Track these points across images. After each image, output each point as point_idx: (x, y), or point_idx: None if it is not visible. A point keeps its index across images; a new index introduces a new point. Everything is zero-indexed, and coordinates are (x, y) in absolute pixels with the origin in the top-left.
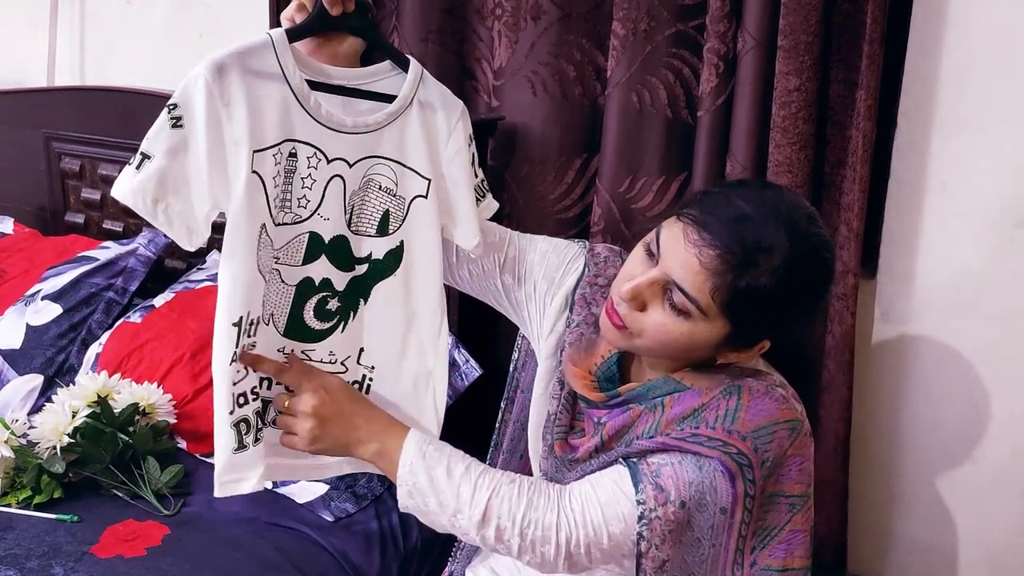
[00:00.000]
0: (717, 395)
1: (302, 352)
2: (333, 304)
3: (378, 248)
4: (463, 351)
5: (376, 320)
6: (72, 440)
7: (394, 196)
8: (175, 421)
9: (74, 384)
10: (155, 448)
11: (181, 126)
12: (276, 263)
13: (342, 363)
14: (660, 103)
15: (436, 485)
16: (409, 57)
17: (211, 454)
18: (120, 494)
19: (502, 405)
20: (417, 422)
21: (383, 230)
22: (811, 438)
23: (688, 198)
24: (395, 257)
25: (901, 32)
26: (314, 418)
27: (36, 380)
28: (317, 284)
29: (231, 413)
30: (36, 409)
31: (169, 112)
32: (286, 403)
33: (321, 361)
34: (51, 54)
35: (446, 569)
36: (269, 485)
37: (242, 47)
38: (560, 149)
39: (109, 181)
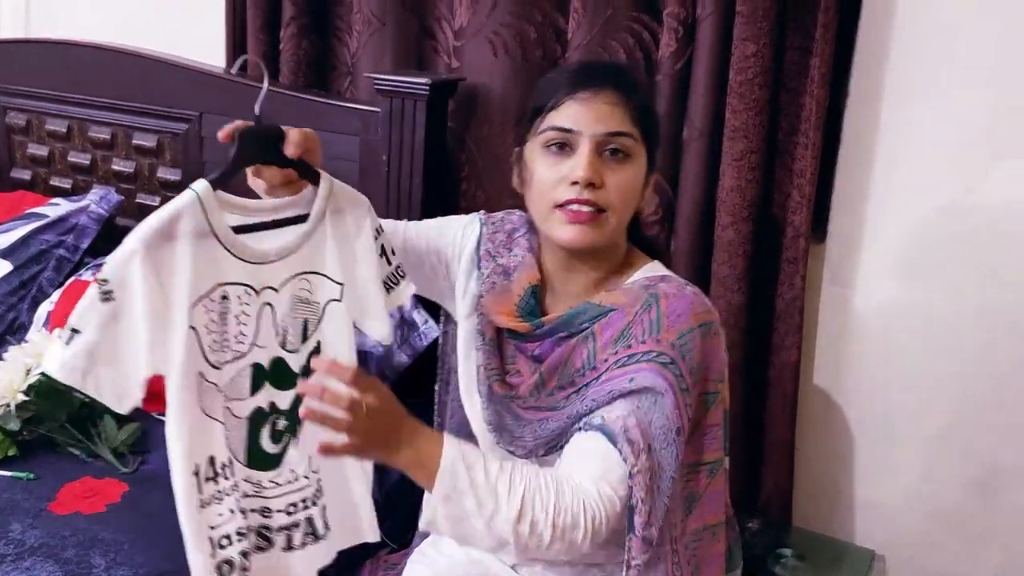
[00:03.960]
0: (639, 309)
1: (269, 481)
2: (281, 423)
3: (303, 356)
4: (422, 311)
5: (315, 426)
6: (26, 398)
7: (310, 304)
8: None
9: (26, 342)
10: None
11: (112, 299)
12: (226, 401)
13: (303, 476)
14: None
15: (475, 486)
16: (319, 171)
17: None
18: (77, 452)
19: (436, 388)
20: (360, 511)
21: (304, 338)
22: (722, 336)
23: (538, 103)
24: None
25: (856, 1)
26: (375, 412)
27: None
28: (267, 411)
29: (212, 556)
30: None
31: (99, 287)
32: (363, 408)
33: (288, 483)
34: None
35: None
36: None
37: (170, 212)
38: (520, 111)
39: (57, 136)
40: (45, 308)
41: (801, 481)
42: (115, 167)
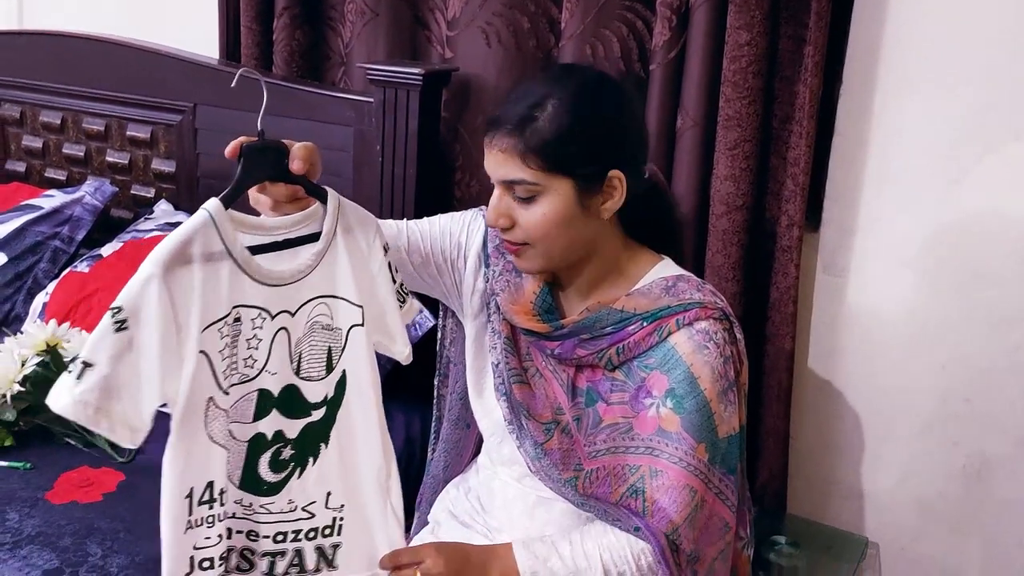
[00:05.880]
0: (660, 361)
1: (261, 506)
2: (287, 453)
3: (329, 387)
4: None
5: (342, 458)
6: (22, 388)
7: (332, 330)
8: None
9: (21, 333)
10: None
11: (126, 328)
12: (228, 423)
13: (303, 509)
14: (613, 56)
15: (556, 575)
16: (327, 189)
17: (164, 404)
18: (73, 442)
19: (435, 382)
20: (388, 537)
21: (328, 368)
22: (740, 344)
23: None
24: (342, 387)
25: None
26: (449, 570)
27: None
28: (270, 439)
29: (188, 574)
30: None
31: (112, 316)
32: (416, 571)
33: (281, 511)
34: None
35: (415, 516)
36: None
37: (184, 234)
38: None
39: (51, 128)
40: (40, 299)
41: (795, 469)
42: (109, 158)
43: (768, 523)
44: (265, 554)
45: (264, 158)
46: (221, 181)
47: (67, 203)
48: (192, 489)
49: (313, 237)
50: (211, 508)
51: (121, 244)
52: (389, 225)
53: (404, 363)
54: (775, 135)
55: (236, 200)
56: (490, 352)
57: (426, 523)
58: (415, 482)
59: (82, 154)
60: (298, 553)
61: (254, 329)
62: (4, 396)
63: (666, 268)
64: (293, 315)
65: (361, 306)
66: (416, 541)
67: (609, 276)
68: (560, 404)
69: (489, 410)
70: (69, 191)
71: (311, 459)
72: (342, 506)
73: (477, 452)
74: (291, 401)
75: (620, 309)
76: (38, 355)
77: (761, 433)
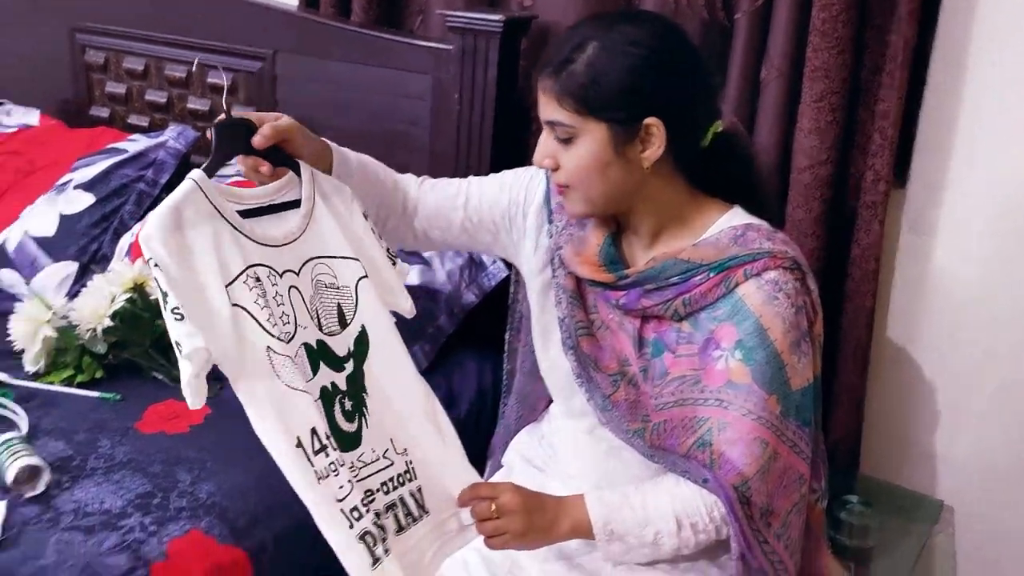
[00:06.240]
0: (728, 313)
1: (358, 459)
2: (348, 404)
3: (349, 341)
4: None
5: (385, 406)
6: (111, 323)
7: (339, 288)
8: None
9: (110, 271)
10: None
11: (182, 316)
12: (307, 382)
13: (383, 457)
14: (697, 4)
15: (627, 525)
16: (297, 161)
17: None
18: (160, 376)
19: (507, 336)
20: (454, 473)
21: (343, 323)
22: (813, 292)
23: None
24: (362, 343)
25: None
26: (523, 512)
27: (71, 267)
28: (331, 390)
29: (351, 528)
30: (71, 295)
31: (167, 308)
32: (492, 507)
33: (374, 461)
34: None
35: (488, 463)
36: None
37: (172, 202)
38: None
39: (134, 74)
40: (126, 240)
41: (870, 429)
42: (190, 105)
43: (840, 481)
44: (388, 508)
45: (233, 133)
46: None
47: (151, 147)
48: (299, 439)
49: (294, 204)
50: (327, 455)
51: None
52: (449, 184)
53: (408, 316)
54: (863, 87)
55: (215, 172)
56: (556, 307)
57: (500, 467)
58: (487, 430)
59: (164, 100)
60: (402, 501)
61: (274, 286)
62: (95, 330)
63: (735, 217)
64: (298, 274)
65: (358, 259)
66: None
67: (672, 226)
68: (627, 356)
69: (557, 365)
70: (153, 135)
71: (364, 409)
72: (406, 450)
73: (551, 401)
74: (326, 354)
75: (686, 260)
76: (126, 292)
77: (836, 391)
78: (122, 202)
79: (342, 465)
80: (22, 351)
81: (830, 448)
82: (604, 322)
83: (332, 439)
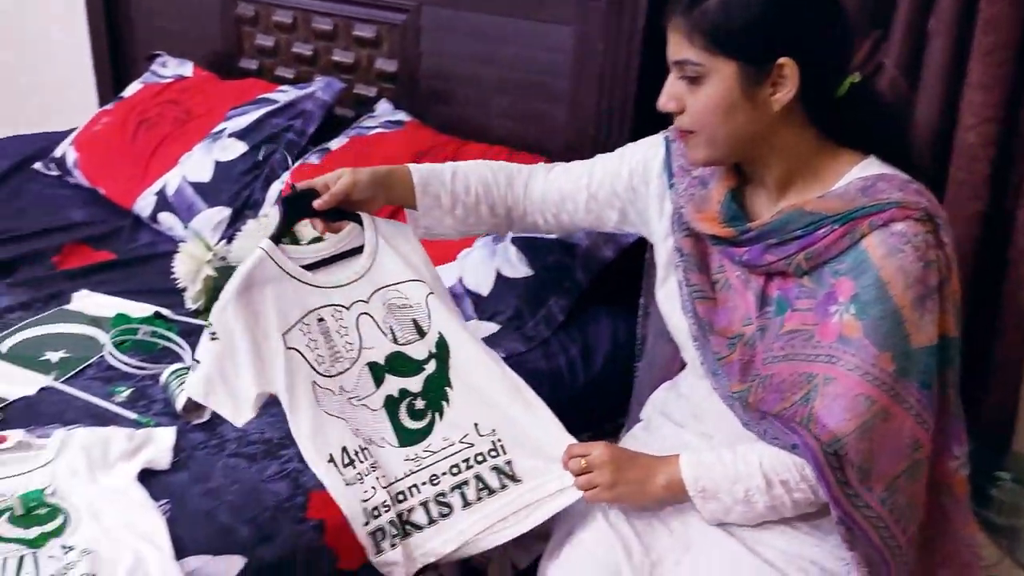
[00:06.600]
0: (851, 265)
1: (423, 451)
2: (419, 403)
3: (429, 345)
4: None
5: (469, 395)
6: None
7: (411, 306)
8: None
9: (264, 216)
10: None
11: (218, 339)
12: (357, 401)
13: (460, 441)
14: None
15: (718, 482)
16: (358, 213)
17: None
18: None
19: (641, 301)
20: (553, 438)
21: (421, 333)
22: (948, 245)
23: None
24: (444, 345)
25: None
26: (612, 464)
27: (224, 212)
28: (397, 396)
29: (365, 525)
30: (224, 239)
31: (208, 331)
32: (582, 462)
33: (443, 449)
34: None
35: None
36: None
37: (247, 268)
38: None
39: (283, 27)
40: (276, 187)
41: None
42: (335, 58)
43: (991, 458)
44: (453, 489)
45: (298, 203)
46: (443, 81)
47: (300, 98)
48: (331, 455)
49: (357, 250)
50: (355, 467)
51: (348, 139)
52: (575, 168)
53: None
54: None
55: (281, 238)
56: (675, 269)
57: (639, 420)
58: (622, 386)
59: (310, 53)
60: (478, 478)
61: (338, 321)
62: None
63: (869, 167)
64: (367, 302)
65: (423, 280)
66: (629, 438)
67: (800, 177)
68: (749, 315)
69: (680, 328)
70: (301, 87)
71: (444, 402)
72: (493, 430)
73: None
74: (401, 363)
75: (810, 211)
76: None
77: (991, 363)
78: (272, 150)
79: (367, 475)
80: (184, 289)
81: (982, 424)
82: (729, 281)
83: (365, 452)
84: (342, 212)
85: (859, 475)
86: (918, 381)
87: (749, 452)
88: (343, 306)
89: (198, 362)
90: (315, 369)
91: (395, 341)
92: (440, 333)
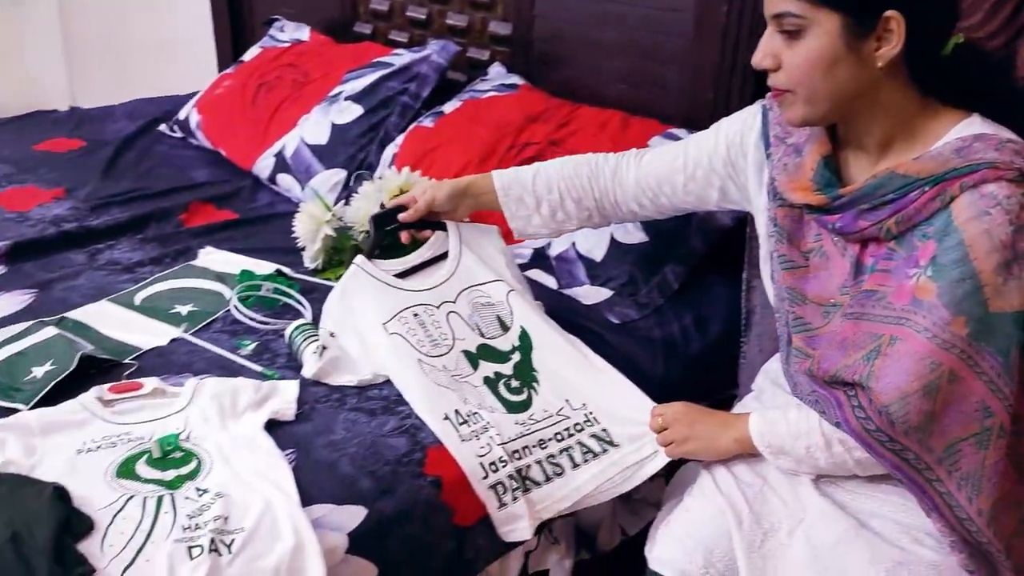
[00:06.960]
0: (939, 227)
1: (529, 418)
2: (515, 383)
3: (512, 339)
4: None
5: (555, 378)
6: None
7: (494, 305)
8: None
9: (379, 178)
10: None
11: (334, 335)
12: (460, 379)
13: (557, 414)
14: None
15: (782, 439)
16: (443, 222)
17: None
18: None
19: (744, 276)
20: (640, 407)
21: (504, 328)
22: None
23: None
24: (526, 338)
25: None
26: (686, 420)
27: (340, 174)
28: (493, 377)
29: (484, 479)
30: (340, 200)
31: (328, 329)
32: (659, 420)
33: (545, 418)
34: None
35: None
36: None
37: (345, 279)
38: None
39: None
40: (391, 150)
41: None
42: (449, 21)
43: None
44: (561, 452)
45: (386, 220)
46: (555, 44)
47: (415, 61)
48: (447, 414)
49: (442, 256)
50: (469, 426)
51: (461, 103)
52: (669, 150)
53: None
54: None
55: (373, 253)
56: (768, 240)
57: (750, 391)
58: (737, 357)
59: (424, 16)
60: (580, 444)
61: (431, 316)
62: (367, 231)
63: (970, 127)
64: (454, 302)
65: (503, 280)
66: (740, 407)
67: (900, 138)
68: (846, 284)
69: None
70: (416, 50)
71: (535, 384)
72: (584, 404)
73: None
74: (489, 353)
75: (903, 174)
76: (393, 198)
77: None
78: (387, 114)
79: (483, 433)
80: (303, 248)
81: None
82: (825, 249)
83: (476, 415)
84: (428, 223)
85: (918, 435)
86: (994, 347)
87: (812, 411)
88: (432, 306)
89: (325, 348)
90: (418, 350)
91: (482, 335)
92: (522, 327)
